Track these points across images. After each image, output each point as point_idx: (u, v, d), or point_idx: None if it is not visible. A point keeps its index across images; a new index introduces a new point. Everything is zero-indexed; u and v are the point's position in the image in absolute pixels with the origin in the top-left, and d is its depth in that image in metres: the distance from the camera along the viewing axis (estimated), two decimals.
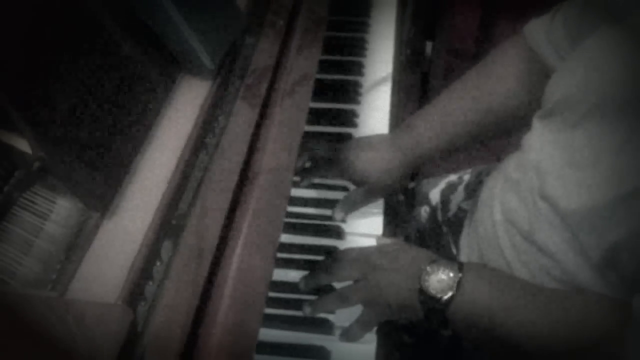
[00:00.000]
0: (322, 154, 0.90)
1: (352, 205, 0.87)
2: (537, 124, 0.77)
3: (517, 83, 0.85)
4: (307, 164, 0.91)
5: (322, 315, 0.75)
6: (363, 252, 0.76)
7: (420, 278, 0.69)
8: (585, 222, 0.66)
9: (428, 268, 0.69)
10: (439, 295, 0.68)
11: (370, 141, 0.91)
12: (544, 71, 0.80)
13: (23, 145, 0.67)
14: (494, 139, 0.91)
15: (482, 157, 1.13)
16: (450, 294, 0.68)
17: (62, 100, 0.68)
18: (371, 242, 0.83)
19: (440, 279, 0.69)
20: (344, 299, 0.75)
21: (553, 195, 0.70)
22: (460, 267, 0.69)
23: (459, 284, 0.68)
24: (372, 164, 0.88)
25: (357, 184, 0.89)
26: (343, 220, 0.86)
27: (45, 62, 0.68)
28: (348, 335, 0.74)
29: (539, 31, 0.82)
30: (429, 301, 0.69)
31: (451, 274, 0.69)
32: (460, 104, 0.88)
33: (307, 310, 0.75)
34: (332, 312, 0.76)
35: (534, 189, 0.74)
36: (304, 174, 0.91)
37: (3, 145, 0.67)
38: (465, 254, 0.89)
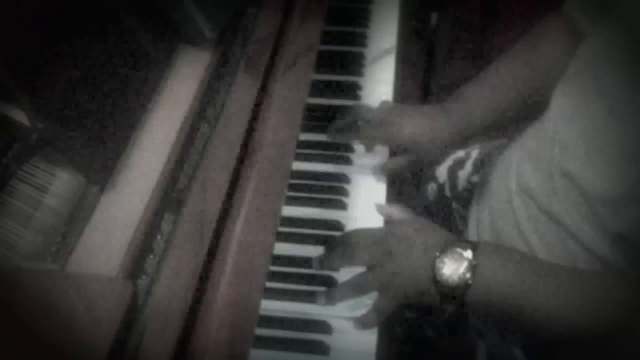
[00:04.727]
0: (368, 117, 0.87)
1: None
2: (556, 91, 0.76)
3: (562, 57, 0.84)
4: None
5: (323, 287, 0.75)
6: (377, 235, 0.74)
7: (434, 267, 0.68)
8: (607, 199, 0.65)
9: (442, 256, 0.67)
10: (454, 284, 0.66)
11: (419, 109, 0.90)
12: None
13: (21, 117, 0.66)
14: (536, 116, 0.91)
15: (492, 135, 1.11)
16: (464, 281, 0.66)
17: (60, 71, 0.67)
18: (374, 214, 0.82)
19: (454, 268, 0.67)
20: (360, 288, 0.73)
21: (575, 173, 0.69)
22: (475, 250, 0.67)
23: (474, 270, 0.66)
24: (422, 129, 0.86)
25: (401, 150, 0.87)
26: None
27: (43, 32, 0.66)
28: (364, 322, 0.72)
29: (573, 1, 0.82)
30: (444, 289, 0.67)
31: (465, 262, 0.67)
32: (508, 79, 0.87)
33: (316, 265, 0.75)
34: (347, 300, 0.74)
35: (552, 160, 0.73)
36: (344, 134, 0.88)
37: (1, 117, 0.66)
38: (473, 227, 0.89)
